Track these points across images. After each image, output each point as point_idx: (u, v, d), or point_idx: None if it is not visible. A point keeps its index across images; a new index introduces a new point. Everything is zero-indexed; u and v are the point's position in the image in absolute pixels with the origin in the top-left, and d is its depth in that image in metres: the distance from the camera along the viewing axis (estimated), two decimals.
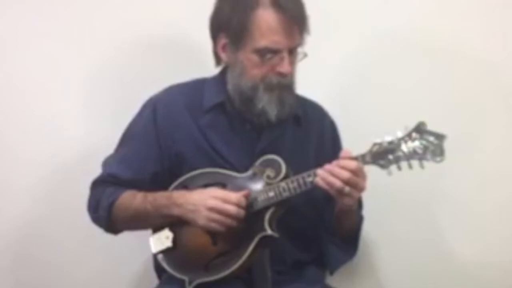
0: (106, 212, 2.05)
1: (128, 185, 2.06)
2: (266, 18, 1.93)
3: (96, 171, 2.13)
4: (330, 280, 2.19)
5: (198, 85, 2.12)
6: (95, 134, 2.48)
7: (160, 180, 2.06)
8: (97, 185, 2.11)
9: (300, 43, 1.98)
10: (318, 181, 1.89)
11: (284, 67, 1.96)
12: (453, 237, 2.37)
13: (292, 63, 1.98)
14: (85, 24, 2.47)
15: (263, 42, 1.94)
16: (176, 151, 2.06)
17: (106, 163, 2.12)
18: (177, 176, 2.05)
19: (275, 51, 1.95)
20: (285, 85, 1.98)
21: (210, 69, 2.12)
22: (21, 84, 2.50)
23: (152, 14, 2.46)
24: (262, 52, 1.95)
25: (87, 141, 2.49)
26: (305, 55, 2.00)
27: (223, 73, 2.07)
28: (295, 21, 1.94)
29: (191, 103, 2.08)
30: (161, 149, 2.07)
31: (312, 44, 1.99)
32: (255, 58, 1.96)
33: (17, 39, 2.49)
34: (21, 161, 2.51)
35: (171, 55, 2.47)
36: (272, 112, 1.98)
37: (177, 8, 2.44)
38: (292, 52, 1.97)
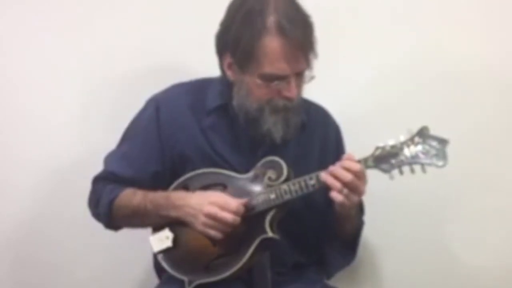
0: (107, 208, 2.05)
1: (129, 183, 2.06)
2: (273, 46, 1.90)
3: (96, 171, 2.12)
4: (330, 281, 2.19)
5: (202, 85, 2.11)
6: (94, 134, 2.48)
7: (161, 179, 2.06)
8: (98, 181, 2.11)
9: (306, 67, 1.95)
10: (326, 177, 1.88)
11: (291, 92, 1.94)
12: (455, 241, 2.38)
13: (299, 86, 1.97)
14: (85, 25, 2.46)
15: (269, 69, 1.92)
16: (178, 152, 2.05)
17: (108, 159, 2.12)
18: (179, 176, 2.04)
19: (281, 78, 1.93)
20: (291, 108, 1.97)
21: (205, 74, 2.14)
22: (21, 84, 2.50)
23: (152, 16, 2.45)
24: (269, 79, 1.93)
25: (86, 141, 2.48)
26: (312, 77, 1.97)
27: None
28: (302, 48, 1.92)
29: (194, 103, 2.07)
30: (163, 149, 2.06)
31: (320, 52, 1.98)
32: (261, 82, 1.94)
33: (16, 40, 2.48)
34: (21, 161, 2.51)
35: (171, 57, 2.46)
36: (278, 134, 1.97)
37: (177, 13, 2.44)
38: (299, 75, 1.95)
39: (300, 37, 1.91)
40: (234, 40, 1.95)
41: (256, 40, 1.91)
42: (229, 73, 2.01)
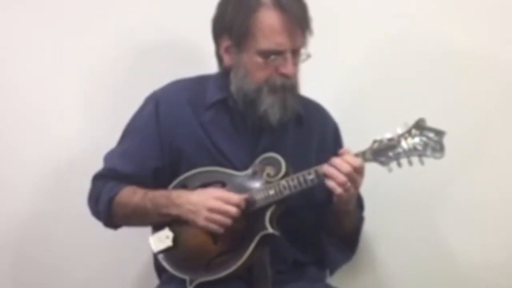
0: (106, 206, 2.05)
1: (129, 179, 2.06)
2: (269, 20, 1.93)
3: (96, 169, 2.12)
4: (330, 279, 2.19)
5: (201, 81, 2.12)
6: (94, 132, 2.48)
7: (162, 175, 2.06)
8: (98, 179, 2.10)
9: (303, 44, 1.98)
10: (327, 168, 1.89)
11: (288, 68, 1.96)
12: (453, 236, 2.37)
13: (296, 64, 1.99)
14: (85, 24, 2.47)
15: (266, 44, 1.94)
16: (177, 147, 2.06)
17: (108, 157, 2.12)
18: (179, 172, 2.05)
19: (278, 53, 1.95)
20: (288, 86, 1.98)
21: (208, 70, 2.13)
22: (21, 82, 2.50)
23: (151, 14, 2.46)
24: (266, 54, 1.95)
25: (86, 139, 2.49)
26: (308, 56, 2.00)
27: (225, 70, 2.06)
28: (298, 23, 1.95)
29: (193, 99, 2.08)
30: (163, 144, 2.07)
31: (315, 44, 1.99)
32: (258, 60, 1.96)
33: (17, 38, 2.49)
34: (21, 160, 2.51)
35: (170, 55, 2.46)
36: (275, 116, 1.98)
37: (177, 9, 2.44)
38: (295, 53, 1.97)
39: (296, 11, 1.94)
40: (230, 20, 1.97)
41: (252, 16, 1.94)
42: (226, 58, 2.03)
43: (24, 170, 2.51)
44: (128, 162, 2.07)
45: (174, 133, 2.06)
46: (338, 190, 1.89)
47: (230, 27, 1.97)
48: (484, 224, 2.35)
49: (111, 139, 2.16)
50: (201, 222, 1.94)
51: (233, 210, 1.92)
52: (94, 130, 2.49)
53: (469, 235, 2.36)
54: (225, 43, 2.00)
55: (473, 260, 2.36)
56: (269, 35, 1.94)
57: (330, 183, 1.89)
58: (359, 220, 2.15)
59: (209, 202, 1.93)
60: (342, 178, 1.88)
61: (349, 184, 1.88)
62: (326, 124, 2.18)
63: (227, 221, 1.93)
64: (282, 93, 1.98)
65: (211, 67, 2.11)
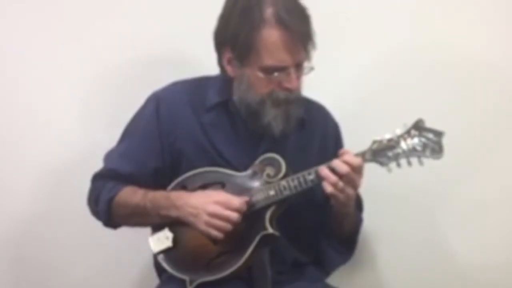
0: (106, 206, 2.05)
1: (128, 180, 2.06)
2: (272, 37, 1.92)
3: (96, 169, 2.12)
4: (330, 278, 2.19)
5: (202, 82, 2.12)
6: (94, 132, 2.48)
7: (162, 176, 2.06)
8: (98, 179, 2.11)
9: (306, 58, 1.97)
10: (322, 169, 1.90)
11: (291, 83, 1.95)
12: (453, 236, 2.38)
13: (299, 77, 1.98)
14: (85, 26, 2.47)
15: (269, 61, 1.93)
16: (177, 148, 2.06)
17: (107, 157, 2.12)
18: (179, 173, 2.04)
19: (281, 69, 1.94)
20: (292, 100, 1.98)
21: (207, 73, 2.14)
22: (21, 84, 2.51)
23: (153, 14, 2.46)
24: (269, 71, 1.94)
25: (86, 139, 2.49)
26: (312, 68, 1.99)
27: (227, 75, 2.05)
28: (301, 38, 1.94)
29: (194, 100, 2.08)
30: (163, 145, 2.06)
31: (317, 47, 1.99)
32: (261, 75, 1.95)
33: (16, 38, 2.49)
34: (20, 160, 2.51)
35: (170, 56, 2.47)
36: (278, 127, 1.98)
37: (177, 12, 2.44)
38: (298, 67, 1.96)
39: (299, 27, 1.93)
40: (233, 34, 1.96)
41: (255, 33, 1.92)
42: (228, 69, 2.02)
43: (24, 170, 2.51)
44: (128, 162, 2.07)
45: (174, 134, 2.06)
46: (329, 188, 1.89)
47: (233, 40, 1.96)
48: (484, 224, 2.36)
49: (111, 139, 2.16)
50: (201, 226, 1.93)
51: (234, 216, 1.92)
52: (94, 130, 2.49)
53: (468, 235, 2.37)
54: (227, 54, 2.00)
55: (473, 260, 2.37)
56: (273, 52, 1.93)
57: (324, 184, 1.90)
58: (358, 222, 2.15)
59: (210, 206, 1.93)
60: (333, 178, 1.88)
61: (341, 184, 1.88)
62: (327, 124, 2.18)
63: (228, 226, 1.92)
64: (286, 106, 1.98)
65: (210, 70, 2.11)
